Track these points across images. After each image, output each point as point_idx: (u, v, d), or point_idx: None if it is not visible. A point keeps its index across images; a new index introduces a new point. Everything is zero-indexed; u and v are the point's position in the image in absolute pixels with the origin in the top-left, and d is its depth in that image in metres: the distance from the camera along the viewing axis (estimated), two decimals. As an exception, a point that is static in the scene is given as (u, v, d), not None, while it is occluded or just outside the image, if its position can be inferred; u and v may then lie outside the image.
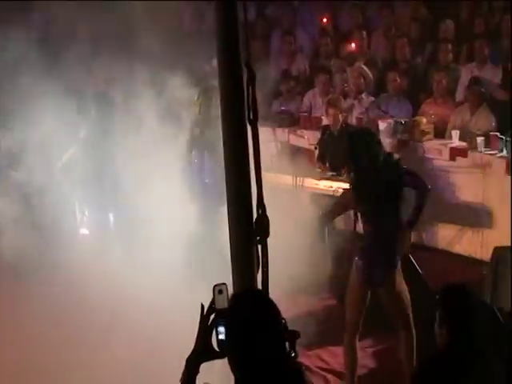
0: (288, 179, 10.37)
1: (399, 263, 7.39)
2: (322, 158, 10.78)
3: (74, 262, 8.88)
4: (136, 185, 8.58)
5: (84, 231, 10.22)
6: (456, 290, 5.40)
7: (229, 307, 3.57)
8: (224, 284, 3.70)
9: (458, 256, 10.34)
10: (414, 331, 7.38)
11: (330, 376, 7.76)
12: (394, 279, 7.32)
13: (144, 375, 7.03)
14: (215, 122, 7.79)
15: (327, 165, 10.69)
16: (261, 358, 3.41)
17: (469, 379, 4.88)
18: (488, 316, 7.77)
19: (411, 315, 7.37)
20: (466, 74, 11.92)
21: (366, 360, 7.97)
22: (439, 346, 5.18)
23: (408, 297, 7.45)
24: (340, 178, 10.43)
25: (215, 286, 3.65)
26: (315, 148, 11.01)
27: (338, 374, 7.77)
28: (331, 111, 10.74)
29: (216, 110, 7.85)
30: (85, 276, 8.54)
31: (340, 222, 10.44)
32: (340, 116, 10.68)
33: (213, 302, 3.64)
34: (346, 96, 11.90)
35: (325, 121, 11.30)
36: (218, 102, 7.35)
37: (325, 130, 10.93)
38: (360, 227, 8.53)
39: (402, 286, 7.43)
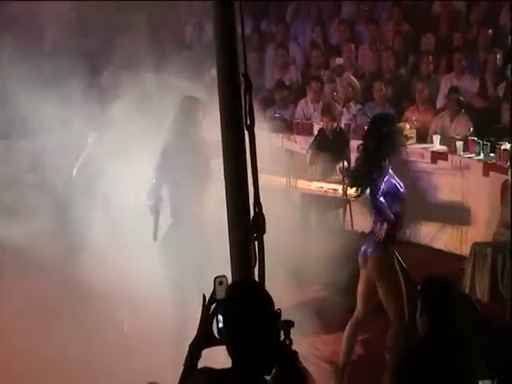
0: (282, 180, 10.37)
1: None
2: (314, 160, 10.76)
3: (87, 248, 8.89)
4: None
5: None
6: (436, 281, 5.40)
7: (226, 295, 3.58)
8: (224, 276, 3.69)
9: (440, 251, 10.35)
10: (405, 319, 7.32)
11: (321, 363, 7.76)
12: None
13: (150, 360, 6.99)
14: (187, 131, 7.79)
15: (318, 166, 10.67)
16: (256, 343, 3.42)
17: (448, 365, 4.87)
18: (466, 306, 7.77)
19: (405, 304, 7.30)
20: (445, 83, 11.94)
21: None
22: (420, 333, 5.18)
23: (401, 287, 7.41)
24: (330, 179, 10.45)
25: (216, 277, 3.65)
26: (307, 152, 11.01)
27: (328, 361, 7.77)
28: (325, 118, 10.79)
29: (190, 123, 7.83)
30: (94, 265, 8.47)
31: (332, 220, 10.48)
32: (333, 121, 10.71)
33: (214, 293, 3.64)
34: (335, 103, 11.90)
35: (316, 126, 11.33)
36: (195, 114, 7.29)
37: (320, 133, 10.95)
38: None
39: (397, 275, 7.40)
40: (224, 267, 3.95)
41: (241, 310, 3.47)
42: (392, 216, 7.32)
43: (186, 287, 7.15)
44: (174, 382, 3.73)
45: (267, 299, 3.51)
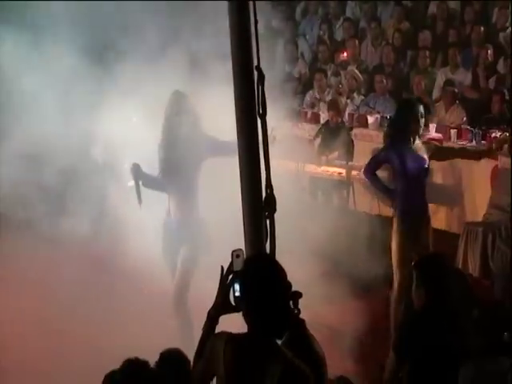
0: (292, 165, 10.35)
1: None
2: (321, 146, 10.75)
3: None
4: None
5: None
6: (431, 257, 5.42)
7: (244, 266, 3.60)
8: (241, 249, 3.74)
9: (435, 230, 10.32)
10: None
11: (324, 329, 7.76)
12: None
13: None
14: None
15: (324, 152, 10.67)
16: (270, 311, 3.44)
17: (442, 333, 4.89)
18: (459, 280, 7.78)
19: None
20: (441, 76, 11.91)
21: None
22: (415, 305, 5.18)
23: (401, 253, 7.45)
24: (335, 163, 10.46)
25: (233, 251, 3.68)
26: (314, 139, 10.99)
27: (330, 328, 7.76)
28: (330, 112, 10.77)
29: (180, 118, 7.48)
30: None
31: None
32: (337, 115, 10.70)
33: (231, 265, 3.67)
34: (340, 95, 11.89)
35: (323, 117, 11.32)
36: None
37: (326, 124, 10.93)
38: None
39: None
40: (238, 242, 3.97)
41: (257, 280, 3.49)
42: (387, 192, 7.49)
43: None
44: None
45: (280, 272, 3.52)
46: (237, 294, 3.61)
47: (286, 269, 3.55)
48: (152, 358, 4.06)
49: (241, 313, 3.58)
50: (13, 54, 8.78)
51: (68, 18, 8.48)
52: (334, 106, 10.75)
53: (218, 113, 6.72)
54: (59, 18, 8.34)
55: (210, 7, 7.48)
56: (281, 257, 3.81)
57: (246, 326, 3.53)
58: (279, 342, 3.55)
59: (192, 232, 7.22)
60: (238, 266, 3.65)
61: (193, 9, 8.73)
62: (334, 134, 10.59)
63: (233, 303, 3.65)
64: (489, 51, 11.59)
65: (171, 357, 4.28)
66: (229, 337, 3.54)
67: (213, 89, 7.07)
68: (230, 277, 3.66)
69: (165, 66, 7.83)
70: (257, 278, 3.51)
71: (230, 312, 3.68)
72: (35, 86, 8.30)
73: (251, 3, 4.03)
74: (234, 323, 3.65)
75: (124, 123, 8.02)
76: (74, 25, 8.51)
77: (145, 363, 2.92)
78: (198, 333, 3.82)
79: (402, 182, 7.46)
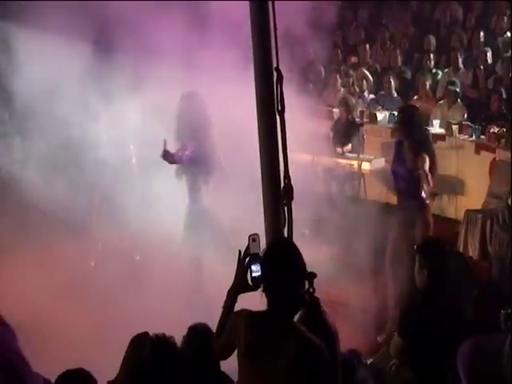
0: (308, 157, 10.30)
1: None
2: (334, 140, 10.69)
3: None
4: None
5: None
6: (432, 241, 5.38)
7: (266, 249, 3.60)
8: (257, 234, 3.72)
9: (438, 216, 10.25)
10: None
11: (336, 305, 7.72)
12: None
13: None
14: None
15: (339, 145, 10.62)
16: (288, 290, 3.44)
17: (445, 312, 4.84)
18: (459, 261, 7.76)
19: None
20: (444, 77, 11.84)
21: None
22: (418, 284, 5.14)
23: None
24: (347, 156, 10.41)
25: (250, 235, 3.67)
26: (329, 133, 10.94)
27: (342, 305, 7.72)
28: (341, 108, 10.71)
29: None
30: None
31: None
32: (347, 112, 10.64)
33: (248, 248, 3.65)
34: (352, 94, 11.84)
35: (336, 113, 11.24)
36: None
37: (338, 120, 10.87)
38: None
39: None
40: (258, 227, 3.96)
41: (278, 262, 3.49)
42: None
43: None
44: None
45: (297, 254, 3.52)
46: (254, 274, 3.62)
47: (302, 251, 3.53)
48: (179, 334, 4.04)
49: (256, 292, 3.59)
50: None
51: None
52: (344, 103, 10.69)
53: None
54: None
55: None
56: (296, 240, 3.79)
57: (260, 306, 3.52)
58: (296, 318, 3.54)
59: (212, 218, 7.25)
60: (254, 249, 3.64)
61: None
62: (347, 129, 10.54)
63: (250, 283, 3.64)
64: (487, 54, 11.55)
65: (198, 330, 4.28)
66: (249, 314, 3.53)
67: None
68: (247, 259, 3.65)
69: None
70: (279, 260, 3.50)
71: (247, 291, 3.68)
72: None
73: (271, 4, 3.99)
74: (250, 302, 3.64)
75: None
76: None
77: (171, 339, 2.89)
78: (217, 312, 3.80)
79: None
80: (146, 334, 2.90)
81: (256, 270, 3.61)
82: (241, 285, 3.67)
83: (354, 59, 13.09)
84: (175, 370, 2.84)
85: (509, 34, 12.02)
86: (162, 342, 2.84)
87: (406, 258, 6.68)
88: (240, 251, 3.69)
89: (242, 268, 3.66)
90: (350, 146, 10.43)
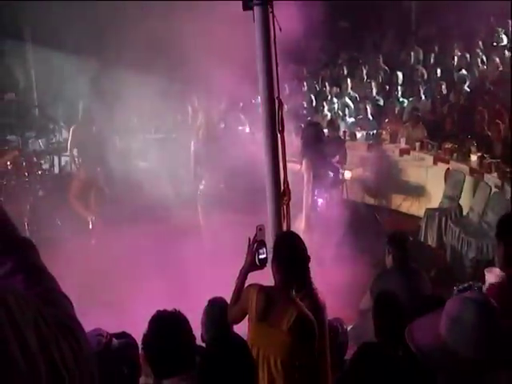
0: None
1: None
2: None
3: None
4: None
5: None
6: (398, 233, 5.36)
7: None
8: (263, 224, 3.74)
9: (404, 214, 10.25)
10: None
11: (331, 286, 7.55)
12: None
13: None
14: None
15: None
16: (295, 269, 3.49)
17: (408, 285, 4.79)
18: (421, 248, 7.76)
19: None
20: (409, 104, 11.82)
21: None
22: (388, 266, 5.10)
23: None
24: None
25: (257, 226, 3.69)
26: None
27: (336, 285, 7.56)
28: (329, 128, 10.70)
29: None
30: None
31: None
32: (334, 131, 10.63)
33: (256, 236, 3.67)
34: (336, 117, 11.82)
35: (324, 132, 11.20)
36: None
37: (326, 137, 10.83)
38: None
39: None
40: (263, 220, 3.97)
41: (286, 248, 3.53)
42: None
43: None
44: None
45: (300, 242, 3.56)
46: (260, 256, 3.63)
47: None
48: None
49: (262, 271, 3.63)
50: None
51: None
52: (331, 124, 10.68)
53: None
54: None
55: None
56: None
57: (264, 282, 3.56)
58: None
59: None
60: (260, 237, 3.66)
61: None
62: (333, 144, 10.53)
63: (257, 263, 3.66)
64: (442, 86, 11.52)
65: (218, 301, 4.27)
66: (260, 287, 3.55)
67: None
68: (255, 245, 3.66)
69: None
70: (287, 247, 3.53)
71: (255, 270, 3.69)
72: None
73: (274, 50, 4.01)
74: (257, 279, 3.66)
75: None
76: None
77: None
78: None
79: None
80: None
81: (262, 253, 3.63)
82: (250, 265, 3.67)
83: (337, 90, 13.05)
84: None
85: (464, 71, 12.02)
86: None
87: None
88: (249, 238, 3.69)
89: (251, 252, 3.66)
90: (337, 157, 10.39)
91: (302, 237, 3.67)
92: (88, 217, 8.90)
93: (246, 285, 3.68)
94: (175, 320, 2.81)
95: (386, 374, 2.30)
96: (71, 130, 9.30)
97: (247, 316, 3.58)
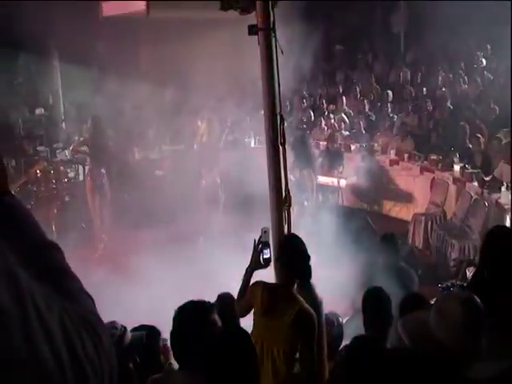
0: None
1: None
2: (321, 164, 10.64)
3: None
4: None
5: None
6: (389, 235, 5.35)
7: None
8: (267, 227, 3.76)
9: (394, 218, 10.22)
10: None
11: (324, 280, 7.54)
12: None
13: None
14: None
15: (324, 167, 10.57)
16: (298, 266, 3.49)
17: (398, 279, 4.74)
18: (409, 250, 7.72)
19: None
20: (398, 120, 11.78)
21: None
22: (379, 264, 5.07)
23: None
24: (330, 175, 10.37)
25: (262, 228, 3.69)
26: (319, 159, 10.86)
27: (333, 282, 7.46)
28: (328, 141, 10.73)
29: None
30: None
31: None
32: (332, 143, 10.66)
33: (260, 237, 3.66)
34: (334, 131, 11.78)
35: (322, 145, 11.19)
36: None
37: (325, 149, 10.82)
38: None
39: None
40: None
41: (290, 249, 3.54)
42: None
43: None
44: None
45: (301, 244, 3.57)
46: (265, 256, 3.62)
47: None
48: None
49: (265, 270, 3.61)
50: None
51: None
52: (330, 138, 10.68)
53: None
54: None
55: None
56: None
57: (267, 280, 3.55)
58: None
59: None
60: (265, 238, 3.65)
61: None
62: (334, 156, 10.55)
63: (262, 263, 3.64)
64: (428, 103, 11.47)
65: (226, 296, 4.24)
66: (265, 284, 3.54)
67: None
68: (260, 246, 3.65)
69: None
70: (291, 247, 3.56)
71: (260, 268, 3.67)
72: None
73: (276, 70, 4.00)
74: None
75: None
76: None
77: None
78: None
79: None
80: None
81: (266, 253, 3.62)
82: (255, 264, 3.66)
83: (334, 107, 13.03)
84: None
85: (443, 88, 11.99)
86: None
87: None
88: (255, 240, 3.68)
89: (257, 252, 3.65)
90: (341, 168, 10.42)
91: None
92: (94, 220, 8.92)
93: (251, 282, 3.66)
94: (203, 310, 2.67)
95: (376, 364, 2.28)
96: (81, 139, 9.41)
97: (252, 310, 3.57)
